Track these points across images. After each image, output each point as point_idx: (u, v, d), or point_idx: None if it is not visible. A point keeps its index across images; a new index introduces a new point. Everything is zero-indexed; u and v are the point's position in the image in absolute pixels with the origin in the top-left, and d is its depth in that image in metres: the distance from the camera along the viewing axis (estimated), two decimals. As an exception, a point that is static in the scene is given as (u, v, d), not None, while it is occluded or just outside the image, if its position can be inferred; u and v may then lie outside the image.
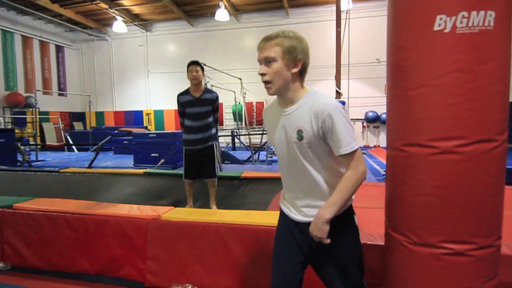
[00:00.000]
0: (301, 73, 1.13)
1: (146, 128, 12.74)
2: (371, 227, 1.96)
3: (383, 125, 11.92)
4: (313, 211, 1.15)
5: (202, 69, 2.97)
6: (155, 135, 7.09)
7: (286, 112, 1.16)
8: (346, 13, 7.99)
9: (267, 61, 1.10)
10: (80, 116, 14.24)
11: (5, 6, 11.11)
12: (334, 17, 7.22)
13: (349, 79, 9.50)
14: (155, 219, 2.18)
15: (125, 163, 7.58)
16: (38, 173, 4.23)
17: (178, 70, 13.54)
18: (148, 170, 4.07)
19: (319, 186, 1.15)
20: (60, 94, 13.65)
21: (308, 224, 1.15)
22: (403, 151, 1.11)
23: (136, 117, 13.89)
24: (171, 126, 13.26)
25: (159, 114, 13.59)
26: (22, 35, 12.13)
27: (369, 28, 11.56)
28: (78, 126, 13.84)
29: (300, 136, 1.11)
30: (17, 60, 11.91)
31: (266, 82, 1.12)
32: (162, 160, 4.91)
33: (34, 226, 2.40)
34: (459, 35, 1.01)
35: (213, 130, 3.08)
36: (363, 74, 11.65)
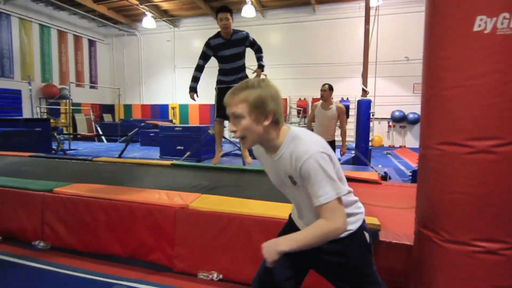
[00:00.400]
0: (275, 122, 1.06)
1: (171, 121, 13.06)
2: (397, 227, 1.96)
3: (410, 125, 11.57)
4: None
5: (232, 14, 2.99)
6: (180, 128, 7.28)
7: (273, 158, 1.12)
8: (375, 9, 7.80)
9: (235, 117, 1.05)
10: (109, 108, 14.82)
11: (43, 2, 11.71)
12: (363, 13, 7.08)
13: (376, 77, 9.28)
14: (183, 208, 2.27)
15: (151, 154, 7.84)
16: (72, 160, 4.48)
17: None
18: (174, 161, 4.21)
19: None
20: (91, 87, 14.26)
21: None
22: (437, 149, 1.12)
23: (162, 111, 14.27)
24: (195, 120, 13.53)
25: (184, 108, 13.89)
26: (58, 30, 12.75)
27: (398, 25, 11.23)
28: (107, 117, 14.42)
29: (293, 182, 1.08)
30: (52, 54, 12.55)
31: (239, 137, 1.07)
32: (188, 153, 5.05)
33: (72, 210, 2.56)
34: (500, 36, 1.00)
35: (245, 72, 3.19)
36: (390, 72, 11.35)
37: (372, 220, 1.91)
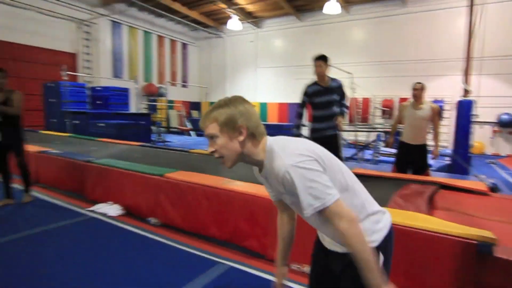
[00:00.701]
0: (251, 136, 1.04)
1: (251, 119, 13.60)
2: (515, 243, 1.75)
3: (522, 131, 9.86)
4: (334, 247, 1.13)
5: (326, 61, 3.16)
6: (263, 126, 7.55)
7: (262, 175, 1.11)
8: (483, -3, 6.86)
9: (210, 137, 1.04)
10: (196, 106, 16.16)
11: (147, 11, 13.36)
12: (462, 3, 6.33)
13: (481, 75, 8.15)
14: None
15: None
16: (173, 151, 5.08)
17: (284, 65, 13.97)
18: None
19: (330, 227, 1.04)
20: (183, 86, 15.77)
21: (334, 252, 1.14)
22: None
23: (242, 108, 14.96)
24: (273, 118, 13.85)
25: (263, 107, 14.33)
26: (157, 35, 14.41)
27: (509, 15, 9.64)
28: (194, 114, 15.76)
29: (283, 198, 1.08)
30: (153, 56, 14.26)
31: (219, 158, 1.06)
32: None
33: (179, 193, 2.93)
34: None
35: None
36: (498, 69, 9.84)
37: (485, 233, 1.74)
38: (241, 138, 1.02)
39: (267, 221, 2.42)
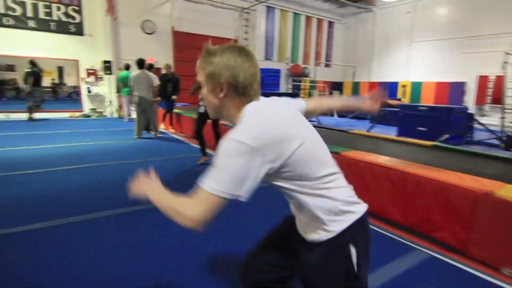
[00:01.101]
0: (235, 95, 0.94)
1: (399, 100, 12.36)
2: None
3: None
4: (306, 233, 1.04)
5: None
6: (426, 108, 6.72)
7: None
8: None
9: (201, 84, 1.00)
10: (338, 86, 15.83)
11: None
12: None
13: None
14: (487, 194, 2.10)
15: (386, 133, 7.77)
16: (332, 130, 5.16)
17: (447, 37, 11.87)
18: (437, 143, 3.96)
19: (302, 208, 0.98)
20: (326, 65, 15.65)
21: (305, 242, 1.04)
22: None
23: (390, 89, 13.70)
24: (428, 99, 12.13)
25: (416, 86, 12.72)
26: (305, 16, 14.59)
27: None
28: (335, 94, 15.51)
29: None
30: (300, 37, 14.60)
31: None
32: (445, 136, 4.62)
33: (357, 172, 2.96)
34: None
35: None
36: None
37: None
38: (221, 94, 0.95)
39: (470, 215, 2.17)
